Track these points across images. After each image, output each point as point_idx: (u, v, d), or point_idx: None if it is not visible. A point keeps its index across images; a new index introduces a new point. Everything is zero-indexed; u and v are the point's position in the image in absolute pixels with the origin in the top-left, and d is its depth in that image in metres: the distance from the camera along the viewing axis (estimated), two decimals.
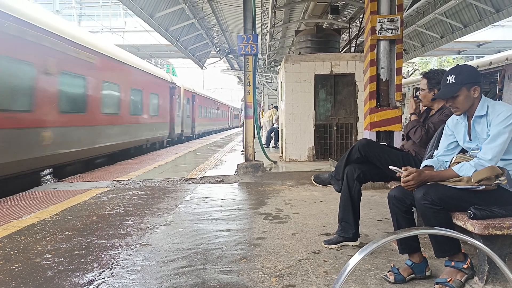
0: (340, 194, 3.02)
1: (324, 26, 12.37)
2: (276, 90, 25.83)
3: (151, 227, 3.69)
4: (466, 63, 13.81)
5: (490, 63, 9.13)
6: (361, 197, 2.98)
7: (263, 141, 12.12)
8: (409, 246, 2.38)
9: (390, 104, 5.33)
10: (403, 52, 7.92)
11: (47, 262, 2.79)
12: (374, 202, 4.60)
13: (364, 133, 5.59)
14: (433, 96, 2.88)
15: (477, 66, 9.42)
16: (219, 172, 7.41)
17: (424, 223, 2.23)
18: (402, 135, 5.39)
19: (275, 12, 11.46)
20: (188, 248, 3.05)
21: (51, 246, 3.15)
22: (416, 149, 2.95)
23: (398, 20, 5.18)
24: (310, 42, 9.85)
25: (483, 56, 17.15)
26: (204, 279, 2.44)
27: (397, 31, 5.18)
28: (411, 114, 3.08)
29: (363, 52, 5.79)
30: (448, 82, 2.25)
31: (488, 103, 2.23)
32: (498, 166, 2.09)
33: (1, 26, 6.02)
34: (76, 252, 3.01)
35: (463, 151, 2.39)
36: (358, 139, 8.50)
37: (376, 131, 5.32)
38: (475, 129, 2.27)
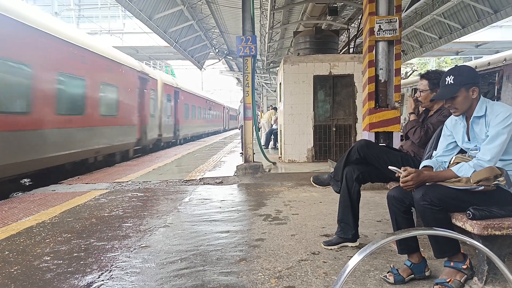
0: (339, 195, 3.02)
1: (322, 27, 12.38)
2: (275, 91, 25.85)
3: (150, 229, 3.68)
4: (465, 63, 13.83)
5: (489, 64, 9.16)
6: (360, 198, 2.98)
7: (262, 142, 12.13)
8: (408, 246, 2.38)
9: (389, 105, 5.34)
10: (402, 53, 7.94)
11: (46, 265, 2.79)
12: (373, 203, 4.60)
13: (363, 134, 5.60)
14: (430, 98, 2.88)
15: (476, 66, 9.45)
16: (218, 173, 7.41)
17: (423, 224, 2.23)
18: (401, 135, 5.41)
19: (273, 13, 11.48)
20: (188, 249, 3.05)
21: (50, 249, 3.14)
22: (415, 149, 2.95)
23: (396, 21, 5.19)
24: (309, 43, 9.87)
25: (482, 57, 17.19)
26: (204, 281, 2.44)
27: (395, 32, 5.19)
28: (410, 113, 3.08)
29: (362, 53, 5.80)
30: (446, 83, 2.26)
31: (487, 104, 2.23)
32: (497, 167, 2.09)
33: None
34: (75, 254, 3.00)
35: (462, 151, 2.40)
36: (357, 140, 8.51)
37: (375, 132, 5.32)
38: (474, 129, 2.27)
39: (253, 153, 7.55)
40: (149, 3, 12.32)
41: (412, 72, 21.45)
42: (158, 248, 3.11)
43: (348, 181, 2.91)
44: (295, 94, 8.91)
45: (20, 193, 6.55)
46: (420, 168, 2.41)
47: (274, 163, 8.63)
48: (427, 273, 2.36)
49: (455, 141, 2.42)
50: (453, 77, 2.23)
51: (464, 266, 2.19)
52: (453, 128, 2.42)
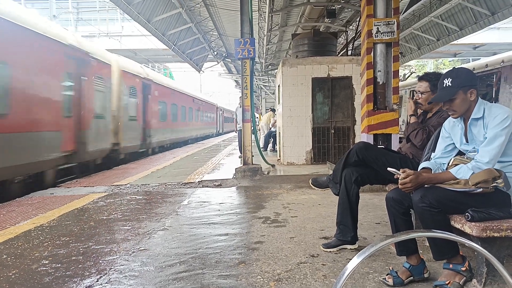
0: (338, 197, 3.02)
1: (320, 30, 12.41)
2: (273, 93, 25.87)
3: (149, 232, 3.67)
4: (462, 65, 13.88)
5: (486, 66, 9.18)
6: (359, 200, 2.98)
7: (261, 145, 12.13)
8: (407, 248, 2.38)
9: (387, 107, 5.35)
10: (400, 55, 7.95)
11: (44, 268, 2.78)
12: (372, 205, 4.60)
13: (362, 136, 5.60)
14: (430, 100, 2.88)
15: (474, 68, 9.47)
16: (217, 176, 7.40)
17: (422, 226, 2.23)
18: (400, 137, 5.41)
19: (272, 16, 11.49)
20: (186, 252, 3.04)
21: (48, 252, 3.13)
22: (413, 151, 2.95)
23: (394, 23, 5.20)
24: (307, 46, 9.90)
25: (479, 59, 17.25)
26: (203, 284, 2.43)
27: (393, 34, 5.20)
28: (411, 115, 3.07)
29: (360, 55, 5.81)
30: (444, 85, 2.26)
31: (485, 106, 2.24)
32: (495, 169, 2.09)
33: None
34: (74, 257, 2.99)
35: (461, 153, 2.40)
36: (355, 142, 8.52)
37: (374, 134, 5.33)
38: (472, 131, 2.28)
39: (252, 156, 7.55)
40: (147, 6, 12.34)
41: (411, 74, 21.48)
42: (157, 251, 3.10)
43: (347, 183, 2.91)
44: (293, 96, 8.92)
45: None
46: (418, 170, 2.42)
47: (273, 166, 8.63)
48: (426, 275, 2.36)
49: (454, 143, 2.42)
50: (451, 79, 2.24)
51: (463, 268, 2.19)
52: (451, 130, 2.43)
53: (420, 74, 3.22)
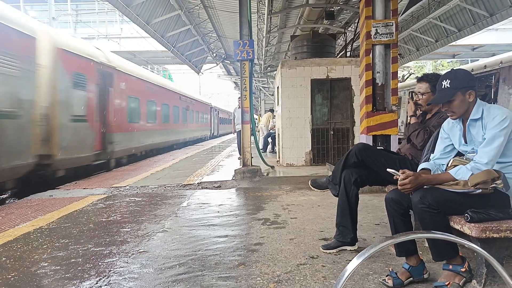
0: (337, 198, 3.02)
1: (319, 31, 12.44)
2: (272, 95, 25.89)
3: (149, 233, 3.67)
4: (461, 67, 13.93)
5: (485, 67, 9.19)
6: (359, 201, 2.98)
7: (260, 146, 12.13)
8: (406, 249, 2.38)
9: (386, 108, 5.36)
10: (399, 56, 7.97)
11: (43, 271, 2.77)
12: (372, 206, 4.60)
13: (361, 137, 5.61)
14: (429, 101, 2.88)
15: (472, 69, 9.48)
16: (216, 177, 7.40)
17: (422, 227, 2.23)
18: (399, 138, 5.42)
19: (270, 17, 11.52)
20: (186, 254, 3.04)
21: (47, 254, 3.13)
22: (412, 152, 2.96)
23: (393, 25, 5.22)
24: (306, 47, 9.91)
25: (478, 60, 17.30)
26: (202, 286, 2.43)
27: (392, 36, 5.22)
28: (411, 116, 3.07)
29: (359, 57, 5.82)
30: (443, 87, 2.27)
31: (483, 107, 2.24)
32: (494, 170, 2.10)
33: None
34: (73, 260, 2.98)
35: (460, 154, 2.40)
36: (354, 143, 8.53)
37: (373, 135, 5.34)
38: (471, 132, 2.28)
39: (251, 157, 7.55)
40: (146, 8, 12.35)
41: (409, 75, 21.54)
42: (156, 253, 3.09)
43: (346, 185, 2.91)
44: (292, 97, 8.93)
45: None
46: (418, 171, 2.42)
47: (272, 167, 8.63)
48: (425, 276, 2.36)
49: (452, 144, 2.43)
50: (449, 80, 2.24)
51: (463, 269, 2.19)
52: (450, 130, 2.43)
53: (419, 75, 3.21)
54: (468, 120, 2.27)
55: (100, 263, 2.89)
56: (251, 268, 2.70)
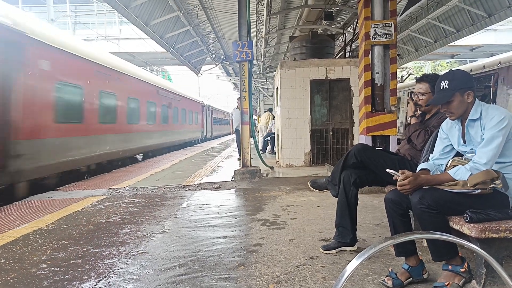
0: (337, 199, 3.02)
1: (318, 32, 12.46)
2: (272, 95, 25.92)
3: (148, 235, 3.67)
4: (460, 67, 13.95)
5: (484, 67, 9.22)
6: (358, 202, 2.98)
7: (260, 147, 12.13)
8: (405, 249, 2.39)
9: (385, 109, 5.37)
10: (397, 57, 7.99)
11: (43, 272, 2.77)
12: (371, 206, 4.60)
13: (360, 137, 5.61)
14: (427, 102, 2.88)
15: (471, 70, 9.50)
16: (215, 178, 7.40)
17: (421, 227, 2.23)
18: (399, 139, 5.42)
19: (269, 18, 11.53)
20: (185, 255, 3.04)
21: (47, 256, 3.12)
22: (412, 153, 2.96)
23: (391, 26, 5.23)
24: (305, 48, 9.91)
25: (477, 60, 17.34)
26: (202, 287, 2.43)
27: (390, 36, 5.23)
28: (411, 116, 3.07)
29: (358, 57, 5.83)
30: (441, 87, 2.27)
31: (482, 107, 2.25)
32: (493, 170, 2.10)
33: None
34: (72, 261, 2.98)
35: (459, 154, 2.41)
36: (354, 143, 8.54)
37: (372, 136, 5.35)
38: (469, 132, 2.29)
39: (251, 158, 7.55)
40: (145, 9, 12.36)
41: (408, 76, 21.57)
42: (156, 254, 3.09)
43: (346, 185, 2.92)
44: (292, 98, 8.93)
45: None
46: (417, 171, 2.42)
47: (271, 168, 8.63)
48: (425, 276, 2.37)
49: (451, 144, 2.43)
50: (447, 81, 2.25)
51: (462, 269, 2.19)
52: (448, 131, 2.44)
53: (418, 75, 3.22)
54: (467, 121, 2.28)
55: (99, 264, 2.89)
56: (251, 269, 2.70)
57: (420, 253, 2.48)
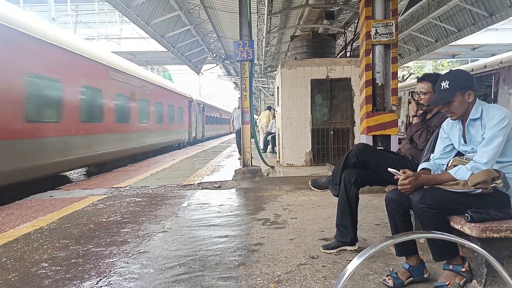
0: (337, 198, 3.02)
1: (319, 31, 12.45)
2: (272, 95, 25.91)
3: (149, 234, 3.67)
4: (461, 67, 13.93)
5: (485, 67, 9.20)
6: (359, 201, 2.98)
7: (260, 146, 12.13)
8: (406, 249, 2.39)
9: (386, 108, 5.36)
10: (398, 57, 7.98)
11: (44, 271, 2.77)
12: (372, 206, 4.60)
13: (361, 137, 5.61)
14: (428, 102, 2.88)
15: (472, 69, 9.48)
16: (216, 178, 7.40)
17: (422, 227, 2.23)
18: (399, 138, 5.42)
19: (270, 18, 11.53)
20: (186, 255, 3.04)
21: (48, 255, 3.13)
22: (413, 152, 2.96)
23: (392, 25, 5.22)
24: (306, 47, 9.91)
25: (478, 60, 17.31)
26: (202, 286, 2.43)
27: (392, 36, 5.22)
28: (413, 116, 3.07)
29: (359, 57, 5.83)
30: (442, 88, 2.27)
31: (483, 107, 2.25)
32: (494, 169, 2.10)
33: None
34: (73, 260, 2.99)
35: (460, 153, 2.41)
36: (355, 143, 8.53)
37: (373, 135, 5.34)
38: (470, 132, 2.29)
39: (252, 157, 7.55)
40: (146, 9, 12.36)
41: (409, 75, 21.54)
42: (157, 253, 3.10)
43: (346, 185, 2.92)
44: (292, 98, 8.93)
45: None
46: (418, 171, 2.42)
47: (272, 167, 8.63)
48: (425, 275, 2.37)
49: (452, 144, 2.43)
50: (448, 82, 2.24)
51: (463, 269, 2.19)
52: (449, 130, 2.44)
53: (419, 75, 3.22)
54: (468, 120, 2.28)
55: (100, 264, 2.89)
56: (252, 268, 2.71)
57: (421, 252, 2.48)
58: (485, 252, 1.42)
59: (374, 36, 5.23)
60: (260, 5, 11.43)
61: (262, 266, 2.73)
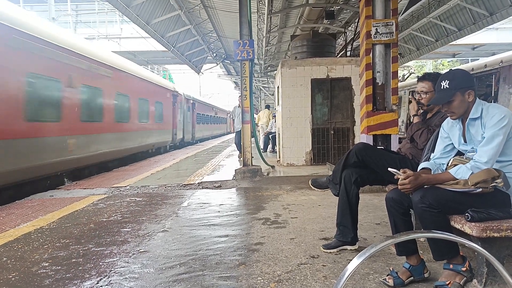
0: (338, 198, 3.02)
1: (319, 31, 12.44)
2: (272, 94, 25.89)
3: (149, 233, 3.67)
4: (461, 66, 13.92)
5: (485, 66, 9.19)
6: (359, 201, 2.98)
7: (261, 146, 12.12)
8: (406, 248, 2.38)
9: (387, 108, 5.36)
10: (399, 56, 7.96)
11: (44, 271, 2.77)
12: (372, 205, 4.60)
13: (361, 136, 5.61)
14: (428, 102, 2.88)
15: (472, 69, 9.48)
16: (216, 177, 7.40)
17: (422, 226, 2.23)
18: (400, 138, 5.41)
19: (270, 17, 11.52)
20: (187, 254, 3.04)
21: (48, 254, 3.13)
22: (413, 152, 2.96)
23: (393, 24, 5.21)
24: (306, 47, 9.91)
25: (478, 59, 17.29)
26: (203, 286, 2.43)
27: (392, 35, 5.21)
28: (414, 115, 3.06)
29: (359, 56, 5.82)
30: (442, 87, 2.27)
31: (483, 106, 2.24)
32: (494, 169, 2.10)
33: None
34: (74, 260, 2.99)
35: (460, 153, 2.40)
36: (355, 142, 8.53)
37: (373, 135, 5.34)
38: (470, 131, 2.28)
39: (252, 157, 7.55)
40: (146, 8, 12.36)
41: (410, 75, 21.53)
42: (157, 253, 3.10)
43: (347, 184, 2.92)
44: (293, 97, 8.93)
45: None
46: (418, 170, 2.42)
47: (272, 167, 8.63)
48: (426, 275, 2.36)
49: (452, 143, 2.43)
50: (448, 81, 2.24)
51: (464, 269, 2.19)
52: (449, 130, 2.44)
53: (419, 74, 3.22)
54: (468, 120, 2.27)
55: (101, 263, 2.89)
56: (252, 267, 2.71)
57: (421, 252, 2.48)
58: (486, 252, 1.42)
59: (375, 35, 5.23)
60: (260, 4, 11.43)
61: (263, 266, 2.73)
